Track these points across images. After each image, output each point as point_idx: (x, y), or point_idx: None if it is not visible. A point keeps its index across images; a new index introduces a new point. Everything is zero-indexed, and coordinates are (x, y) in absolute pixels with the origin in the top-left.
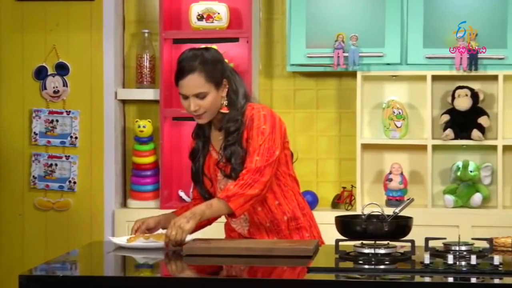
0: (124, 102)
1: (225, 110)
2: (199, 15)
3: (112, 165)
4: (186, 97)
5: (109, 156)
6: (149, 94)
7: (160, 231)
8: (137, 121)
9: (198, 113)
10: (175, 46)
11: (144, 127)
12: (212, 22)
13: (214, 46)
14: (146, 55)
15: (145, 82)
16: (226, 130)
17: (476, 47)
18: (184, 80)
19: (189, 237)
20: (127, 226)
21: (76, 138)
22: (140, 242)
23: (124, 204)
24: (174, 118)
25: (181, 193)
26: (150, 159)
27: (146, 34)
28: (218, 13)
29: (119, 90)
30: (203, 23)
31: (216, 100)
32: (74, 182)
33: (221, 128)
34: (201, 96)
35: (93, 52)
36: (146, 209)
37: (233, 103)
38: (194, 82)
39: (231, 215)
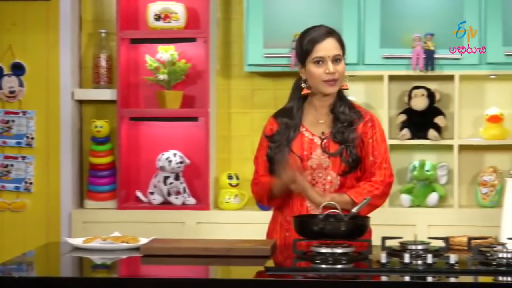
0: (81, 102)
1: (345, 87)
2: (156, 15)
3: (69, 165)
4: (320, 62)
5: (65, 157)
6: (106, 94)
7: (116, 233)
8: (94, 121)
9: (334, 77)
10: (132, 46)
11: (101, 127)
12: (170, 22)
13: (172, 46)
14: (103, 55)
15: (102, 82)
16: (339, 115)
17: (432, 47)
18: (322, 43)
19: (146, 240)
20: (84, 227)
21: (32, 138)
22: (97, 243)
23: (81, 205)
24: (131, 118)
25: (139, 194)
26: (107, 160)
27: (103, 34)
28: (176, 13)
29: (76, 90)
30: (160, 23)
31: (344, 70)
32: (30, 183)
33: (333, 110)
34: (337, 59)
35: (50, 52)
36: (103, 209)
37: (345, 94)
38: (333, 44)
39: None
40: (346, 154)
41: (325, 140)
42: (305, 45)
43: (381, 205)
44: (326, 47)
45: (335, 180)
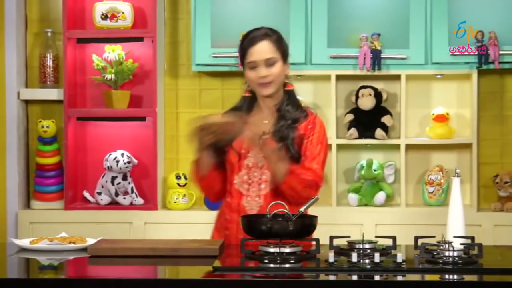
0: (27, 102)
1: (290, 87)
2: (103, 14)
3: (15, 166)
4: (254, 66)
5: (11, 157)
6: (52, 94)
7: (63, 234)
8: (40, 121)
9: (267, 80)
10: (79, 46)
11: (47, 127)
12: (117, 22)
13: (119, 46)
14: (50, 54)
15: (48, 82)
16: (285, 113)
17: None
18: (255, 47)
19: (93, 240)
20: (31, 228)
21: None
22: (44, 244)
23: (27, 205)
24: (78, 118)
25: (86, 194)
26: (54, 160)
27: (49, 34)
28: (123, 13)
29: (22, 90)
30: (107, 23)
31: (282, 72)
32: None
33: (279, 109)
34: (270, 62)
35: None
36: (50, 210)
37: (293, 94)
38: (265, 47)
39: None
40: (284, 151)
41: (264, 137)
42: (241, 49)
43: (307, 197)
44: (258, 51)
45: (271, 179)
